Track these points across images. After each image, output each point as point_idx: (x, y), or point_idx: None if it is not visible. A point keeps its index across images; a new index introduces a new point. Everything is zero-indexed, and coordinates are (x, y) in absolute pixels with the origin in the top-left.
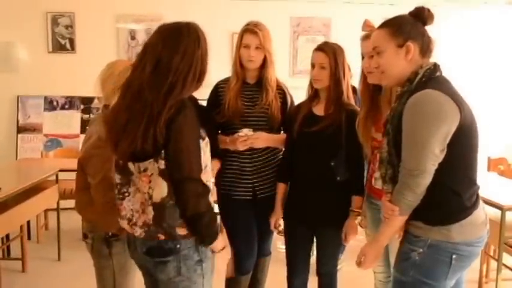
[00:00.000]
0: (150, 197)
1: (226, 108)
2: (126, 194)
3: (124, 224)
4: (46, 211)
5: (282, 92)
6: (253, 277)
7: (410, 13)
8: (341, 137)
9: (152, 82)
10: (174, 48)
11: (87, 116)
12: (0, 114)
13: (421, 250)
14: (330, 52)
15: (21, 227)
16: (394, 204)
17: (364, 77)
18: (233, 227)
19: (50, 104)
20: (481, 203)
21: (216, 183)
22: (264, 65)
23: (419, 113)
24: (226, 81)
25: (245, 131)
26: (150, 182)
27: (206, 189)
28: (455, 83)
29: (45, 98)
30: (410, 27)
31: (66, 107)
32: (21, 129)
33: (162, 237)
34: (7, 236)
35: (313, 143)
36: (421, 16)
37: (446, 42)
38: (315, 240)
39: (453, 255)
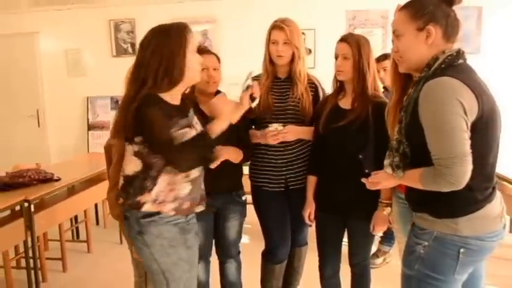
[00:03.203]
0: (123, 170)
1: (257, 104)
2: None
3: None
4: None
5: (313, 85)
6: (290, 266)
7: None
8: (368, 130)
9: (132, 77)
10: (147, 46)
11: None
12: (73, 113)
13: (426, 243)
14: (353, 43)
15: (86, 212)
16: (421, 185)
17: (395, 64)
18: (266, 217)
19: (116, 104)
20: (497, 197)
21: (250, 176)
22: (293, 59)
23: (434, 100)
24: (258, 77)
25: (275, 126)
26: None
27: (184, 144)
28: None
29: (111, 98)
30: (433, 9)
31: None
32: (91, 127)
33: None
34: (76, 220)
35: (341, 138)
36: None
37: None
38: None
39: (461, 249)
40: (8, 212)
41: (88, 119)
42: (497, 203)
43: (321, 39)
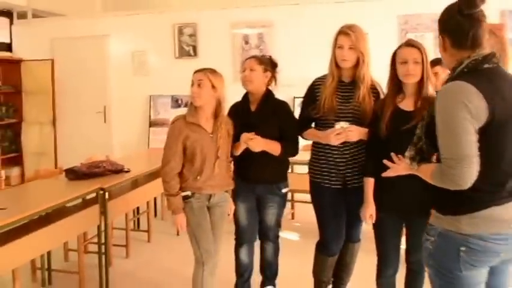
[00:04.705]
0: None
1: (321, 105)
2: None
3: None
4: None
5: (376, 90)
6: (342, 260)
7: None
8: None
9: None
10: None
11: None
12: (137, 111)
13: (433, 239)
14: (421, 47)
15: (148, 204)
16: (431, 180)
17: None
18: (323, 212)
19: (176, 102)
20: None
21: (309, 172)
22: (357, 64)
23: (443, 103)
24: (322, 78)
25: (341, 124)
26: None
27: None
28: None
29: (172, 97)
30: (446, 18)
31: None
32: (152, 124)
33: None
34: (137, 211)
35: (406, 140)
36: (460, 3)
37: None
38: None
39: (461, 247)
40: (79, 201)
41: (150, 116)
42: (510, 209)
43: (374, 44)
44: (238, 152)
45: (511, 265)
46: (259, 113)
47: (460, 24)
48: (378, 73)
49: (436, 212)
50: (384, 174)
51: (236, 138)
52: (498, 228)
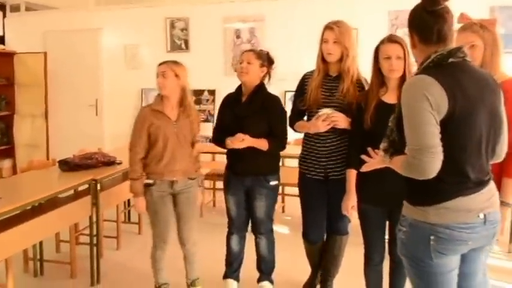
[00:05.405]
0: None
1: (307, 97)
2: None
3: None
4: None
5: (360, 85)
6: (330, 254)
7: None
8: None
9: None
10: None
11: (198, 106)
12: (129, 103)
13: (404, 229)
14: (403, 43)
15: None
16: (401, 171)
17: None
18: (304, 201)
19: None
20: (482, 193)
21: (298, 163)
22: (342, 58)
23: (406, 95)
24: (312, 72)
25: (324, 110)
26: None
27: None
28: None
29: None
30: (413, 16)
31: None
32: None
33: None
34: (128, 203)
35: None
36: (424, 1)
37: None
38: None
39: (431, 235)
40: (71, 192)
41: None
42: (477, 199)
43: (364, 39)
44: (229, 147)
45: (481, 253)
46: (248, 105)
47: (426, 21)
48: (367, 68)
49: (406, 203)
50: (362, 169)
51: (225, 127)
52: (464, 218)
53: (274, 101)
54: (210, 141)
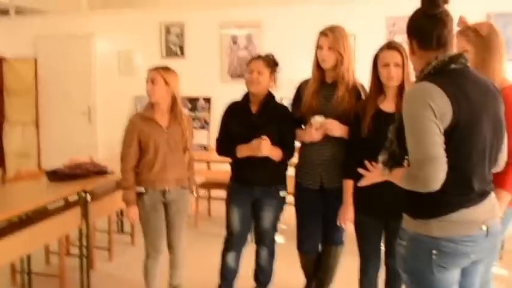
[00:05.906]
0: None
1: (303, 106)
2: None
3: None
4: None
5: (357, 92)
6: (325, 263)
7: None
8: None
9: None
10: None
11: (193, 113)
12: (122, 111)
13: (405, 243)
14: (402, 50)
15: None
16: (402, 184)
17: None
18: (299, 211)
19: None
20: (483, 204)
21: (295, 173)
22: (337, 64)
23: (408, 104)
24: (308, 80)
25: (316, 118)
26: None
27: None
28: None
29: None
30: (412, 21)
31: None
32: None
33: None
34: (121, 213)
35: None
36: (423, 5)
37: None
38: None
39: (433, 250)
40: (62, 202)
41: None
42: (479, 210)
43: (362, 46)
44: (242, 155)
45: (480, 266)
46: (261, 115)
47: (424, 25)
48: (365, 75)
49: (407, 216)
50: (359, 184)
51: (234, 137)
52: (467, 231)
53: (285, 110)
54: (205, 149)
